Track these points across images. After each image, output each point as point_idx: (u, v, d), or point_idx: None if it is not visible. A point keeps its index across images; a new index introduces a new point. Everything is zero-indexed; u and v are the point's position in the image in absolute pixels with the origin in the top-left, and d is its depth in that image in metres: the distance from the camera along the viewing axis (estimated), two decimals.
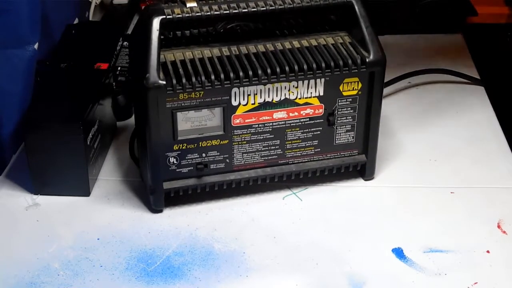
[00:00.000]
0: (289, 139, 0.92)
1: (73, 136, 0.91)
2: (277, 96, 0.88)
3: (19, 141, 1.03)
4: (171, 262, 0.85)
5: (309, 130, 0.92)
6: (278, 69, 0.86)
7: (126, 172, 1.00)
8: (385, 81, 0.93)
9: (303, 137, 0.92)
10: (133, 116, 1.08)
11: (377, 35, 0.90)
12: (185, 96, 0.85)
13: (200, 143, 0.89)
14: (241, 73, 0.86)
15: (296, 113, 0.90)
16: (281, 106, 0.89)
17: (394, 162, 1.01)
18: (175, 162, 0.89)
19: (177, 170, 0.90)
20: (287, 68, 0.87)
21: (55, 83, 1.00)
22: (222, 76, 0.85)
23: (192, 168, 0.90)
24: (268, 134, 0.91)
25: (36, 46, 1.01)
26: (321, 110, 0.91)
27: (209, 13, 0.85)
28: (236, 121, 0.89)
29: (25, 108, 1.00)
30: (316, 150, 0.94)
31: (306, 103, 0.90)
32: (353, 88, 0.91)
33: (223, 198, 0.94)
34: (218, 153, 0.90)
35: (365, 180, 0.98)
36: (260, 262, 0.85)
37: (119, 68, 1.10)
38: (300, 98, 0.89)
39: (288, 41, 0.90)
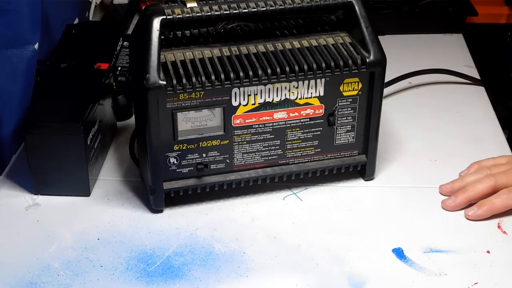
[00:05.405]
0: (289, 139, 0.92)
1: (73, 136, 0.91)
2: (277, 96, 0.88)
3: (19, 141, 1.03)
4: (171, 262, 0.85)
5: (310, 130, 0.92)
6: (278, 69, 0.86)
7: (126, 172, 1.00)
8: (385, 81, 0.93)
9: (303, 137, 0.92)
10: (133, 116, 1.08)
11: (377, 35, 0.90)
12: (185, 96, 0.85)
13: (200, 143, 0.89)
14: (241, 73, 0.86)
15: (297, 113, 0.90)
16: (281, 106, 0.89)
17: (394, 162, 1.01)
18: (175, 162, 0.89)
19: (177, 170, 0.90)
20: (287, 68, 0.87)
21: (55, 83, 1.00)
22: (222, 76, 0.85)
23: (192, 168, 0.90)
24: (269, 134, 0.91)
25: (36, 46, 1.01)
26: (322, 110, 0.91)
27: (209, 13, 0.85)
28: (236, 121, 0.89)
29: (25, 108, 1.00)
30: (316, 150, 0.94)
31: (307, 103, 0.90)
32: (354, 88, 0.91)
33: (223, 198, 0.94)
34: (219, 153, 0.90)
35: (365, 180, 0.98)
36: (260, 262, 0.85)
37: (119, 68, 1.10)
38: (300, 98, 0.89)
39: (288, 41, 0.90)
